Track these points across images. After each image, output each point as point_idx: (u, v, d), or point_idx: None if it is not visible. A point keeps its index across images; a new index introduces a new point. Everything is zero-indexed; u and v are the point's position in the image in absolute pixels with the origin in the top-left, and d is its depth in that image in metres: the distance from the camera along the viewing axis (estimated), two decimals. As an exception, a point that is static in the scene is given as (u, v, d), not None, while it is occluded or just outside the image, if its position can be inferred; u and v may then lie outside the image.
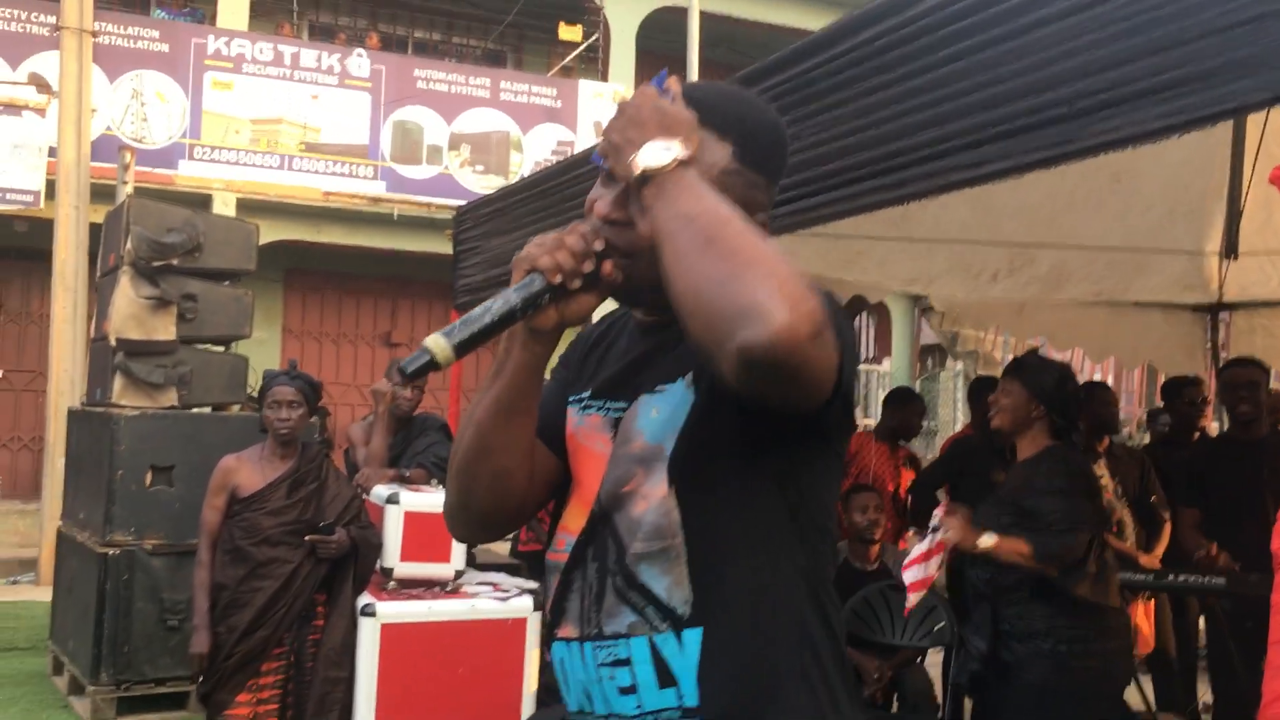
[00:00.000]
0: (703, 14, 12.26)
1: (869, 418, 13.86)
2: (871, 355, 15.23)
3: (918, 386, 13.69)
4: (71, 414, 6.91)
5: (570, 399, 1.52)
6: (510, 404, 1.40)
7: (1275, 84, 1.64)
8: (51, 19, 10.16)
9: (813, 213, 2.92)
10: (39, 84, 10.38)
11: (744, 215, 1.20)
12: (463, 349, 1.29)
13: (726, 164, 1.35)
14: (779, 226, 3.02)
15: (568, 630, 1.42)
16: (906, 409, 5.99)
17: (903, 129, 2.58)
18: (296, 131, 11.60)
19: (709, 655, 1.33)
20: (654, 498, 1.35)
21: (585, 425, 1.48)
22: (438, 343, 1.27)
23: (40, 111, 10.15)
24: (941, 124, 2.44)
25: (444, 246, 10.19)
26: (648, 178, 1.23)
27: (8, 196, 10.14)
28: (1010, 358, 12.63)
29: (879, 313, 14.16)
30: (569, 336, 1.55)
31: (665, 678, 1.34)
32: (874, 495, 4.89)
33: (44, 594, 7.60)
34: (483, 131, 12.21)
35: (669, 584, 1.34)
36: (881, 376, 13.82)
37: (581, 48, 12.98)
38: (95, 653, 5.46)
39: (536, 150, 12.34)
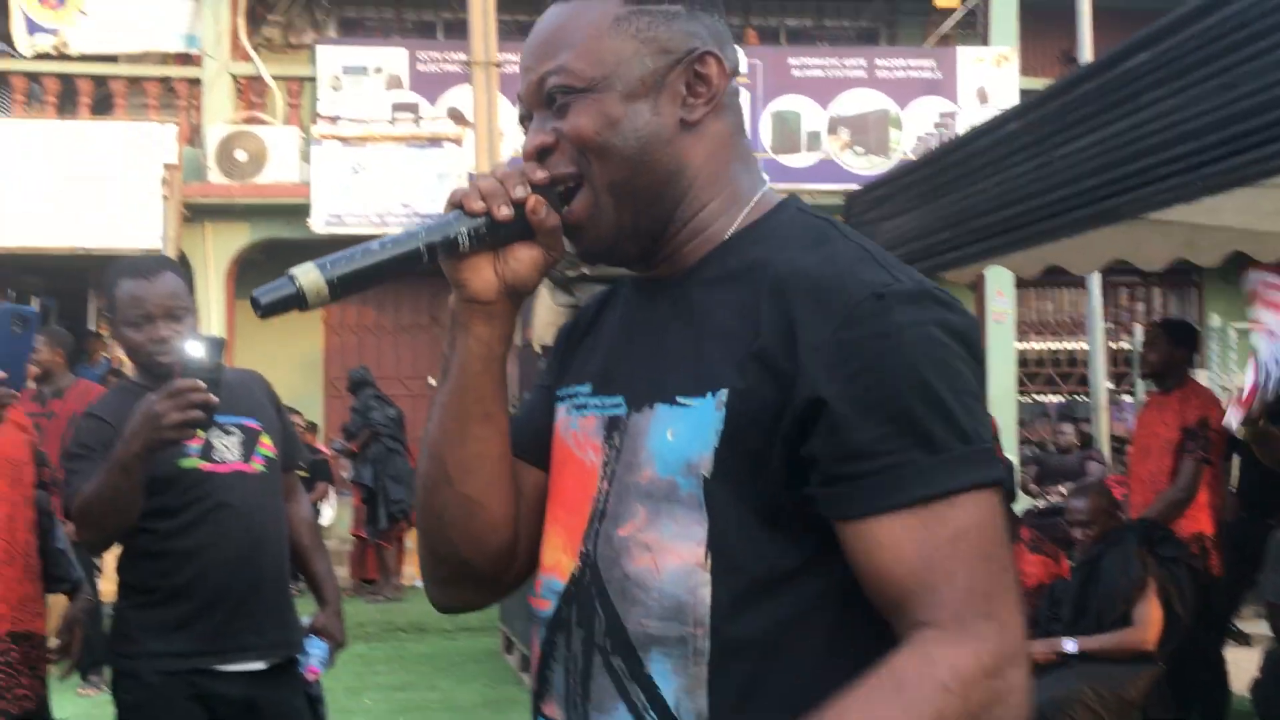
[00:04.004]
0: (1090, -41, 11.47)
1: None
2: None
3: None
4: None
5: (560, 393, 1.18)
6: (463, 410, 1.10)
7: None
8: (462, 56, 11.16)
9: (1255, 166, 2.68)
10: (456, 117, 11.44)
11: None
12: (343, 286, 1.00)
13: (619, 11, 1.07)
14: (1201, 189, 2.80)
15: (552, 709, 1.11)
16: None
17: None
18: (681, 133, 12.06)
19: None
20: (668, 557, 1.01)
21: (578, 429, 1.13)
22: (310, 275, 0.99)
23: (458, 141, 11.19)
24: None
25: (830, 232, 10.16)
26: None
27: (435, 221, 11.26)
28: None
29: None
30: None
31: None
32: None
33: (490, 579, 8.38)
34: (860, 113, 12.11)
35: (680, 687, 1.00)
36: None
37: (960, 13, 12.53)
38: (541, 633, 5.97)
39: (917, 125, 12.06)
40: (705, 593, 0.99)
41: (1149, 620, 4.05)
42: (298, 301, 0.99)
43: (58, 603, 2.94)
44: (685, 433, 1.01)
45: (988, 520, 0.96)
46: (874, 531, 0.95)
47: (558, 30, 1.08)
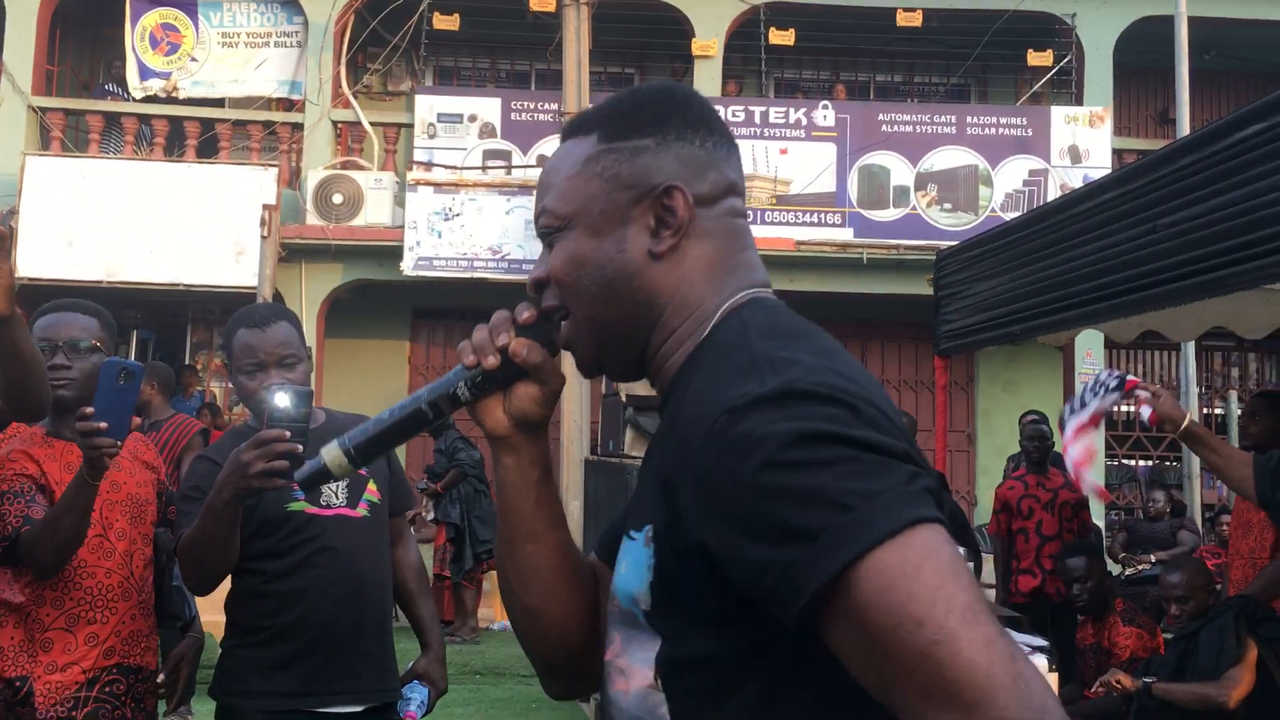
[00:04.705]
0: (1189, 19, 11.35)
1: None
2: None
3: None
4: (588, 463, 7.63)
5: None
6: (509, 530, 1.19)
7: None
8: (555, 106, 11.36)
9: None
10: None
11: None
12: (362, 455, 1.17)
13: (590, 152, 1.14)
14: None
15: None
16: None
17: None
18: (768, 186, 12.09)
19: None
20: (635, 680, 1.08)
21: (622, 550, 1.21)
22: (332, 452, 1.17)
23: (547, 190, 11.36)
24: None
25: (912, 288, 10.09)
26: None
27: (523, 268, 11.42)
28: None
29: None
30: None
31: None
32: None
33: (566, 625, 8.38)
34: (949, 169, 12.06)
35: None
36: None
37: (1052, 72, 12.46)
38: (619, 684, 5.96)
39: (1006, 183, 11.98)
40: (664, 711, 1.05)
41: (1237, 679, 3.95)
42: (326, 476, 1.18)
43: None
44: (630, 567, 1.07)
45: (893, 581, 0.86)
46: (825, 639, 0.91)
47: (551, 171, 1.17)
